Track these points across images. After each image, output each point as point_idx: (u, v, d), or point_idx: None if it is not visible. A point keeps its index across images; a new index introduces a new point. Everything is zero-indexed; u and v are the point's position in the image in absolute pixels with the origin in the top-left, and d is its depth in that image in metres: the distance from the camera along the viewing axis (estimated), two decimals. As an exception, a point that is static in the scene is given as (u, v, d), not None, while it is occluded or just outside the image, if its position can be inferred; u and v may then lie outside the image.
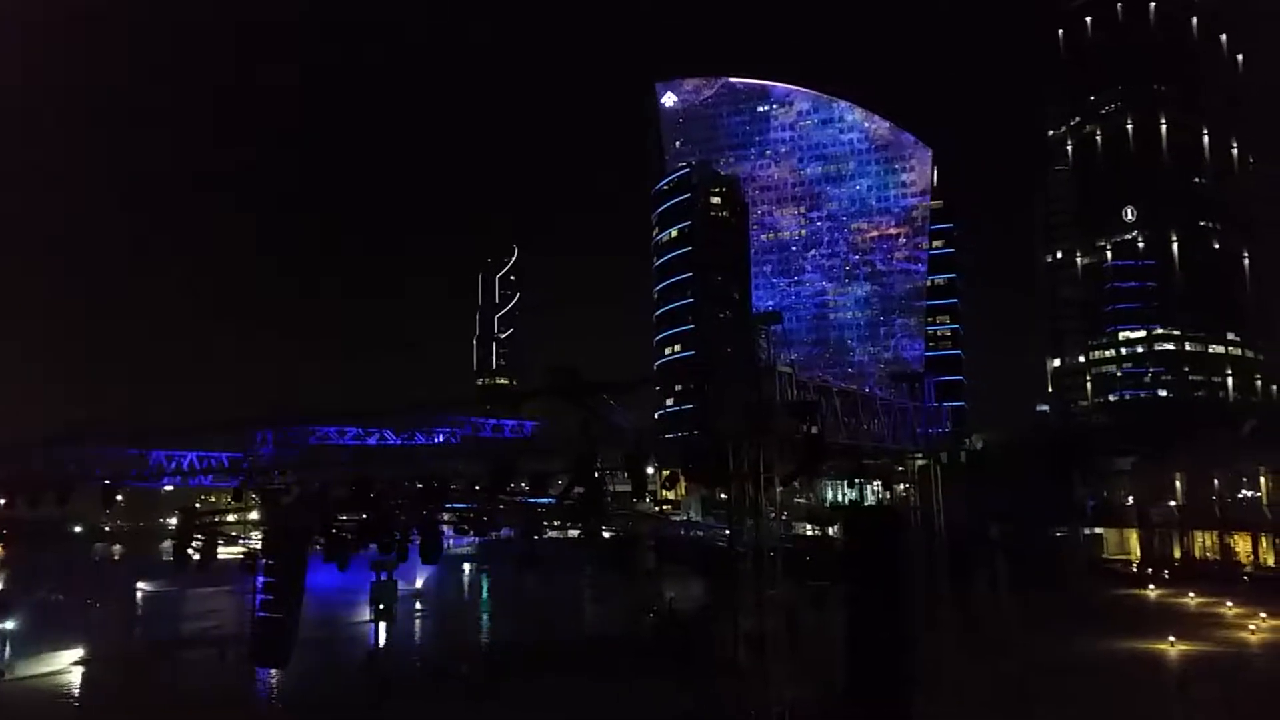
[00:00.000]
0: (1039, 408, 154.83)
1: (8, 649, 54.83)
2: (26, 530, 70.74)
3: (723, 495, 38.51)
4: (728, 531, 29.03)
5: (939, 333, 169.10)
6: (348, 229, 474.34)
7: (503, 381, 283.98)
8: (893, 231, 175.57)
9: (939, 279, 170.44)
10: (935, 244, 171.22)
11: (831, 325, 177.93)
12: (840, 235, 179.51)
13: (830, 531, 47.40)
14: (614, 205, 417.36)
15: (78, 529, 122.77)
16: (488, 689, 41.79)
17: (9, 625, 56.35)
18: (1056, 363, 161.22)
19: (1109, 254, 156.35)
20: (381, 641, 46.16)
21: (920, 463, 36.16)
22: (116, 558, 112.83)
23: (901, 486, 39.24)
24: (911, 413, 33.42)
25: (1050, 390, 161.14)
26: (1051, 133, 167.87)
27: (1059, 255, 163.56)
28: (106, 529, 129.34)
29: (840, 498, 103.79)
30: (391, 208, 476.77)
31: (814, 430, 24.26)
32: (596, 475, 26.86)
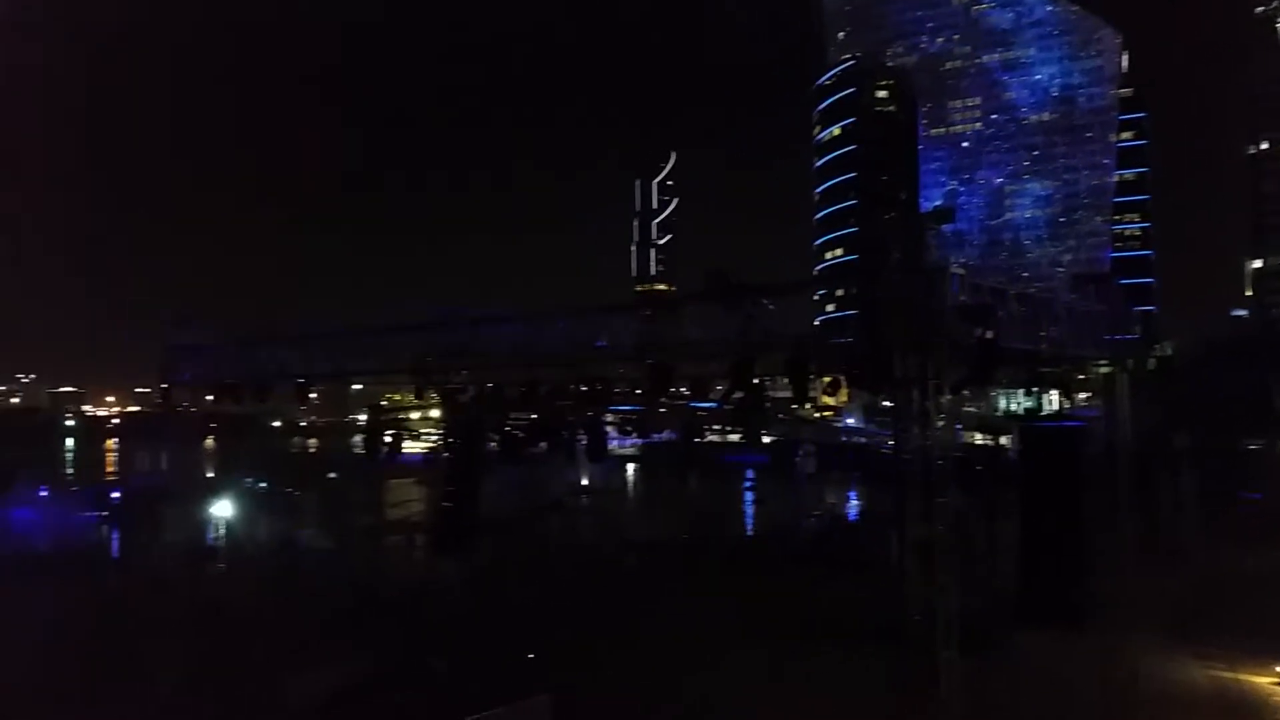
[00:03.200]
0: (1235, 312, 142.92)
1: (222, 531, 61.09)
2: (232, 425, 77.81)
3: (887, 402, 37.71)
4: (892, 439, 28.44)
5: (1127, 232, 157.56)
6: (503, 139, 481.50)
7: (661, 287, 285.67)
8: (1078, 123, 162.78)
9: (1128, 174, 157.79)
10: (1125, 136, 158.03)
11: (1008, 225, 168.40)
12: (1019, 128, 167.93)
13: (1003, 441, 45.76)
14: (777, 103, 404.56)
15: (276, 424, 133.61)
16: (650, 579, 43.36)
17: (221, 511, 62.70)
18: (1257, 264, 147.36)
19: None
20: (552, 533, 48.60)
21: (1104, 370, 34.07)
22: (312, 450, 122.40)
23: (1081, 395, 37.20)
24: (1095, 317, 31.38)
25: (1249, 293, 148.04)
26: (1260, 9, 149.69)
27: (1263, 146, 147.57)
28: (302, 424, 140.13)
29: (1015, 406, 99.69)
30: (548, 113, 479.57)
31: (988, 335, 23.19)
32: (756, 381, 26.77)
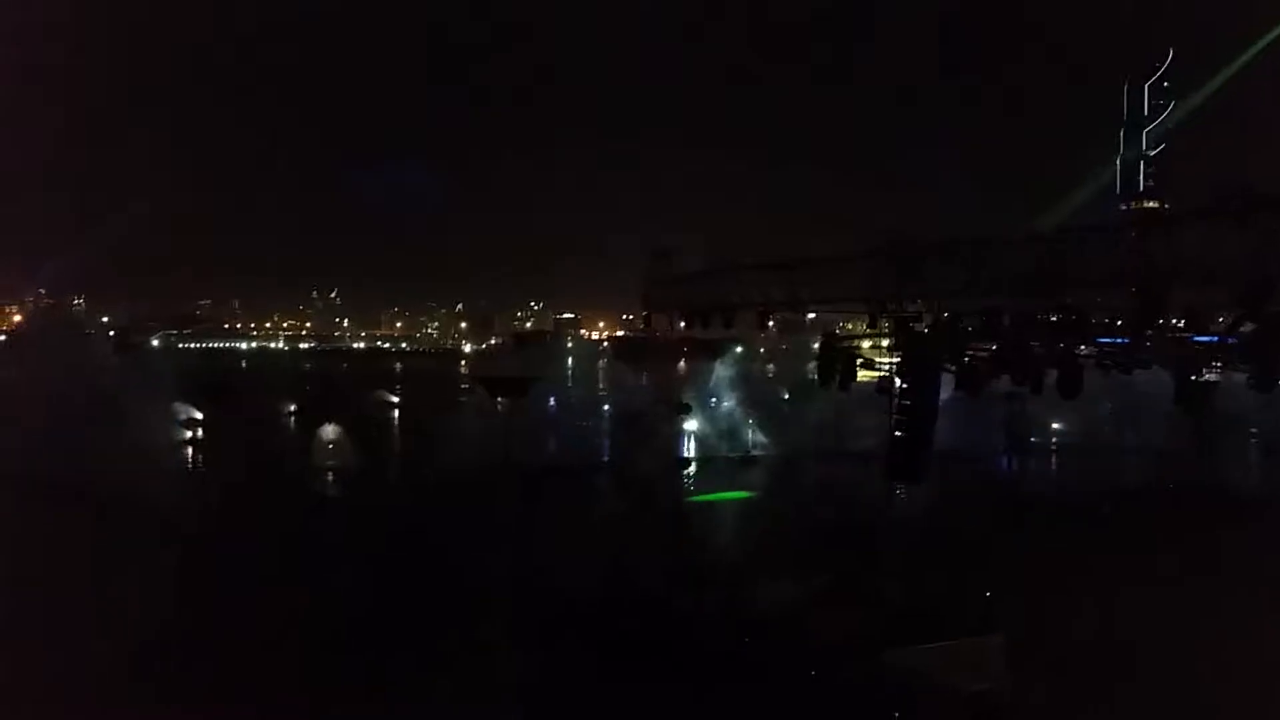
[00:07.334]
0: None
1: (691, 443, 67.25)
2: (702, 349, 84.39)
3: None
4: None
5: None
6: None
7: (1152, 205, 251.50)
8: None
9: None
10: None
11: None
12: None
13: None
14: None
15: (737, 349, 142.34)
16: (1124, 528, 39.55)
17: (691, 425, 69.02)
18: None
19: None
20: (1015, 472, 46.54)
21: None
22: (770, 375, 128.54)
23: None
24: None
25: None
26: None
27: None
28: (761, 350, 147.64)
29: None
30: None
31: None
32: (1274, 311, 22.68)
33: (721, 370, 78.28)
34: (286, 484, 53.96)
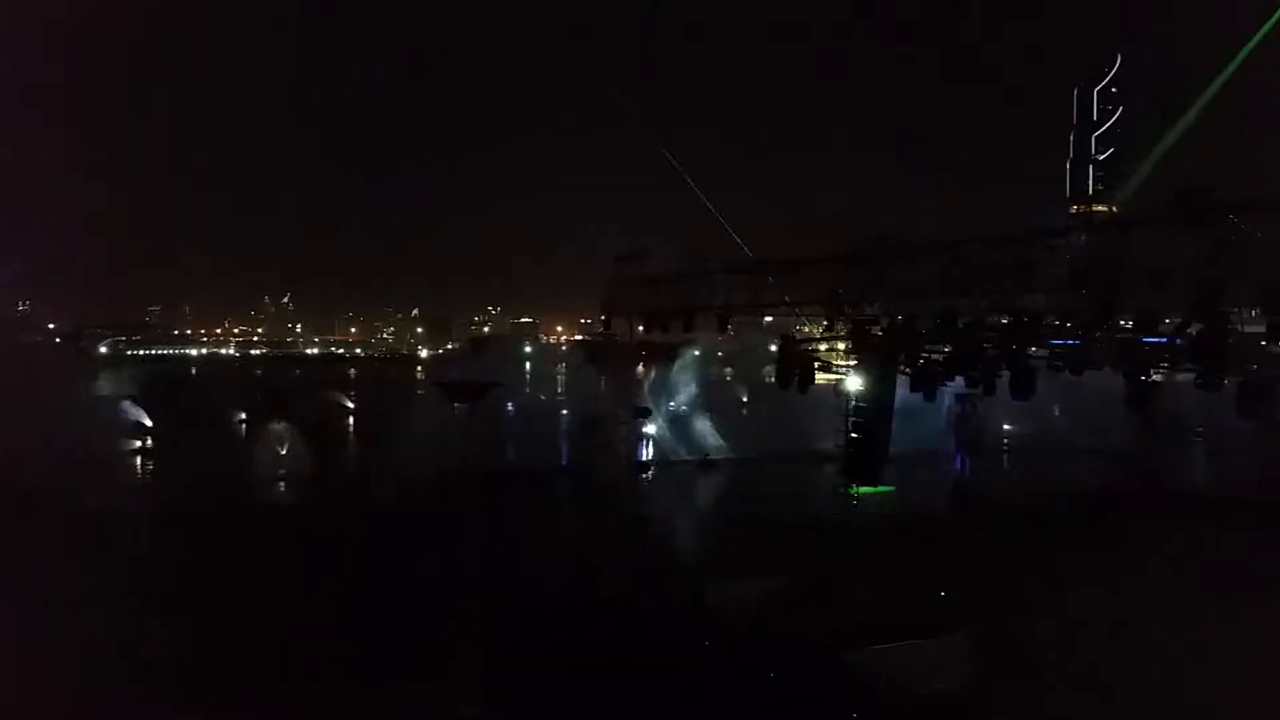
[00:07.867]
0: None
1: (650, 448, 67.18)
2: (661, 353, 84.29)
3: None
4: None
5: None
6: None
7: (1100, 208, 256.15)
8: None
9: None
10: None
11: None
12: None
13: None
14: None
15: (695, 352, 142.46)
16: (1077, 527, 40.08)
17: (650, 430, 68.98)
18: None
19: None
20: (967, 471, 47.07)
21: None
22: (727, 379, 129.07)
23: None
24: None
25: None
26: None
27: None
28: (719, 354, 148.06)
29: None
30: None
31: None
32: (1221, 312, 23.13)
33: (680, 373, 78.45)
34: (231, 493, 52.83)
